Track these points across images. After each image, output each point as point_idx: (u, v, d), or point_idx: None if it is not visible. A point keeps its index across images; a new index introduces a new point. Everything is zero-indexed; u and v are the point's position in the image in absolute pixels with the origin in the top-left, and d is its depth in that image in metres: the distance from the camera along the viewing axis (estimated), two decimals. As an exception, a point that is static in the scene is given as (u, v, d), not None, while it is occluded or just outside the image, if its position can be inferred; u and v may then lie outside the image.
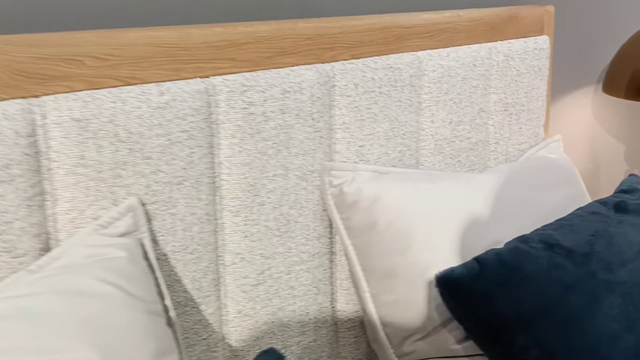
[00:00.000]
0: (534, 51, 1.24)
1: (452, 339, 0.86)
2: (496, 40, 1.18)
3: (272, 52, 0.83)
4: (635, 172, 1.84)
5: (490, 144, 1.19)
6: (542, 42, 1.27)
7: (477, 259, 0.83)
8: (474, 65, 1.11)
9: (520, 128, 1.25)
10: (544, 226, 0.91)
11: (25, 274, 0.62)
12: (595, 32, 1.59)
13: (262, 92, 0.81)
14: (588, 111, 1.66)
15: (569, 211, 1.02)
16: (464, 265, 0.82)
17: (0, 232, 0.62)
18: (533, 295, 0.78)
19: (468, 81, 1.11)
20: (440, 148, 1.08)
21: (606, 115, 1.72)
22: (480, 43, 1.15)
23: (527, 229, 0.93)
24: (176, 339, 0.68)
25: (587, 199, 1.16)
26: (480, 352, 0.83)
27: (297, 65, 0.86)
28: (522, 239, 0.87)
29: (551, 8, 1.31)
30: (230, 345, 0.84)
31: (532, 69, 1.24)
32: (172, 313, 0.71)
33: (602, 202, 1.02)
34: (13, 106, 0.63)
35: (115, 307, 0.61)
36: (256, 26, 0.81)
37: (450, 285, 0.81)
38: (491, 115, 1.18)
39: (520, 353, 0.76)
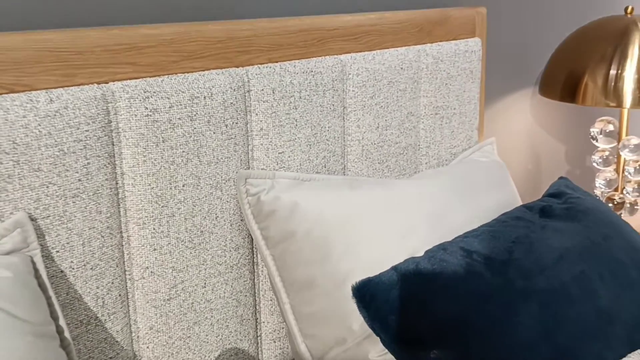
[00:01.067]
0: (465, 53, 1.23)
1: (372, 350, 0.83)
2: (425, 43, 1.16)
3: (178, 56, 0.79)
4: (577, 172, 1.86)
5: (421, 148, 1.17)
6: (474, 44, 1.26)
7: (395, 268, 0.81)
8: (402, 68, 1.09)
9: (452, 132, 1.23)
10: (466, 233, 0.90)
11: None
12: (532, 34, 1.59)
13: (168, 98, 0.77)
14: (527, 113, 1.66)
15: (497, 215, 1.00)
16: (381, 274, 0.80)
17: None
18: (449, 305, 0.76)
19: (395, 85, 1.09)
20: (367, 153, 1.06)
21: (546, 117, 1.72)
22: (408, 46, 1.13)
23: (451, 236, 0.91)
24: (68, 361, 0.64)
25: (518, 203, 1.15)
26: (399, 364, 0.81)
27: (206, 69, 0.83)
28: (443, 247, 0.85)
29: (483, 10, 1.30)
30: (140, 364, 0.80)
31: (464, 72, 1.23)
32: (67, 334, 0.67)
33: (528, 207, 1.01)
34: None
35: (5, 327, 0.57)
36: (160, 28, 0.78)
37: (366, 296, 0.78)
38: (421, 119, 1.16)
39: (436, 364, 0.74)
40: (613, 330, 0.81)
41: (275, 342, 0.97)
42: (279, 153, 0.92)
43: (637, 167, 1.50)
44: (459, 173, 1.09)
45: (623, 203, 1.52)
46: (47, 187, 0.68)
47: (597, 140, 1.52)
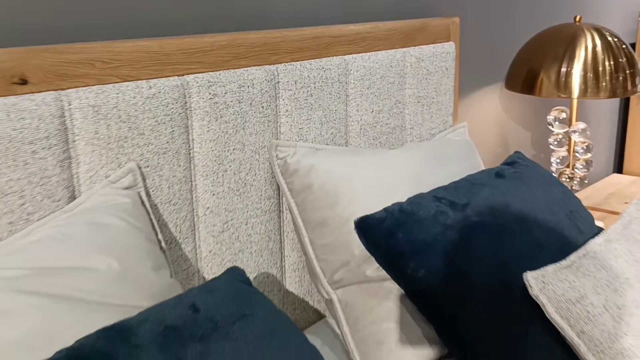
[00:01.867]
0: (441, 54, 1.55)
1: (369, 269, 1.15)
2: (409, 46, 1.48)
3: (230, 57, 1.11)
4: (538, 152, 2.18)
5: (406, 129, 1.49)
6: (449, 47, 1.58)
7: (384, 209, 1.12)
8: (391, 66, 1.41)
9: (431, 116, 1.55)
10: (438, 187, 1.22)
11: (60, 213, 0.89)
12: (499, 39, 1.92)
13: (223, 86, 1.09)
14: (497, 104, 1.99)
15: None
16: (375, 213, 1.12)
17: (44, 183, 0.88)
18: (422, 232, 1.08)
19: (386, 79, 1.41)
20: (364, 131, 1.38)
21: (512, 107, 2.04)
22: (396, 48, 1.45)
23: (427, 190, 1.23)
24: (167, 260, 0.96)
25: (481, 169, 1.47)
26: (388, 276, 1.13)
27: (249, 66, 1.14)
28: (420, 195, 1.17)
29: (456, 19, 1.62)
30: (203, 276, 1.12)
31: (440, 69, 1.55)
32: (163, 244, 0.98)
33: (487, 171, 1.33)
34: (49, 96, 0.89)
35: (125, 234, 0.88)
36: (217, 37, 1.09)
37: (364, 228, 1.10)
38: (406, 105, 1.48)
39: (412, 274, 1.06)
40: (542, 254, 1.13)
41: (295, 272, 1.29)
42: (299, 129, 1.24)
43: (584, 148, 1.83)
44: (436, 147, 1.41)
45: (573, 177, 1.85)
46: (148, 146, 1.00)
47: (552, 126, 1.85)
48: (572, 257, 1.10)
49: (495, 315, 1.03)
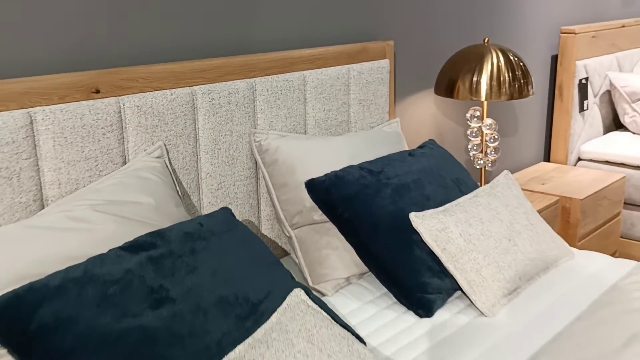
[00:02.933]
0: (378, 69, 2.12)
1: (315, 215, 1.72)
2: (353, 63, 2.06)
3: (222, 73, 1.68)
4: (463, 144, 2.75)
5: (351, 123, 2.07)
6: (384, 63, 2.15)
7: (325, 175, 1.69)
8: (338, 78, 1.98)
9: (370, 114, 2.13)
10: (364, 162, 1.79)
11: (118, 171, 1.46)
12: (429, 56, 2.49)
13: (218, 93, 1.66)
14: (431, 105, 2.56)
15: (412, 165, 1.89)
16: (318, 177, 1.68)
17: (109, 153, 1.45)
18: (347, 189, 1.65)
19: (334, 87, 1.98)
20: (318, 124, 1.95)
21: (443, 108, 2.62)
22: (342, 65, 2.02)
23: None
24: (183, 203, 1.53)
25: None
26: (327, 219, 1.70)
27: (235, 80, 1.71)
28: (350, 166, 1.73)
29: (391, 42, 2.19)
30: (204, 219, 1.69)
31: (377, 79, 2.12)
32: (179, 194, 1.55)
33: (403, 152, 1.90)
34: (112, 100, 1.46)
35: (157, 184, 1.46)
36: (214, 61, 1.66)
37: (311, 187, 1.67)
38: (351, 106, 2.06)
39: (341, 216, 1.63)
40: (428, 204, 1.69)
41: (268, 221, 1.86)
42: (270, 122, 1.81)
43: (493, 138, 2.40)
44: (370, 135, 1.98)
45: (486, 160, 2.42)
46: (170, 131, 1.56)
47: (469, 121, 2.42)
48: (446, 205, 1.67)
49: (393, 241, 1.60)
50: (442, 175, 1.81)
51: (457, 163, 1.94)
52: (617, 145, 3.21)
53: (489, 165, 2.45)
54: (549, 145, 3.39)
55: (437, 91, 2.39)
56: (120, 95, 1.48)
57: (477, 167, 2.45)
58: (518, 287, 1.61)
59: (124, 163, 1.50)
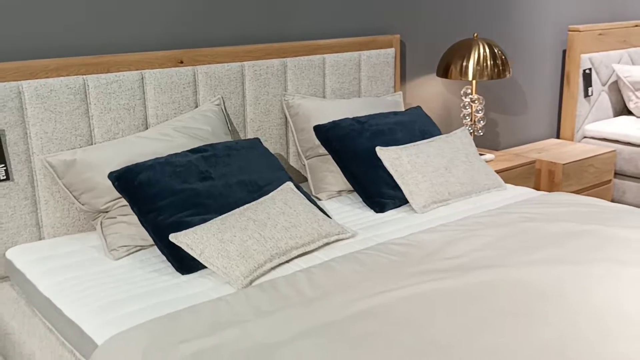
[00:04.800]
0: (384, 55, 2.94)
1: (321, 149, 2.57)
2: (364, 50, 2.88)
3: (263, 55, 2.57)
4: (459, 114, 3.48)
5: (361, 93, 2.90)
6: (390, 51, 2.96)
7: (326, 123, 2.53)
8: (350, 60, 2.82)
9: (378, 87, 2.94)
10: (357, 116, 2.61)
11: (191, 112, 2.39)
12: (432, 46, 3.26)
13: (260, 68, 2.55)
14: (440, 85, 3.33)
15: (392, 119, 2.70)
16: (322, 124, 2.53)
17: (189, 103, 2.39)
18: (339, 132, 2.48)
19: (348, 66, 2.82)
20: (334, 92, 2.80)
21: (452, 88, 3.38)
22: (354, 52, 2.85)
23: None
24: (231, 136, 2.44)
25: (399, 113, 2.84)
26: (327, 152, 2.55)
27: (272, 59, 2.60)
28: (345, 118, 2.57)
29: (397, 36, 3.00)
30: (248, 149, 2.60)
31: (383, 62, 2.94)
32: (229, 128, 2.47)
33: (390, 112, 2.70)
34: (190, 69, 2.39)
35: (215, 120, 2.37)
36: (259, 46, 2.56)
37: (317, 130, 2.51)
38: (361, 80, 2.88)
39: (334, 147, 2.47)
40: (396, 144, 2.50)
41: (293, 155, 2.73)
42: (296, 88, 2.68)
43: (480, 109, 3.14)
44: (371, 100, 2.80)
45: (475, 127, 3.17)
46: (226, 89, 2.48)
47: (464, 97, 3.17)
48: (406, 144, 2.47)
49: (365, 165, 2.42)
50: (413, 127, 2.61)
51: (429, 121, 2.72)
52: (616, 125, 3.80)
53: (478, 131, 3.19)
54: (559, 124, 4.03)
55: (437, 73, 3.16)
56: (195, 65, 2.41)
57: (468, 131, 3.20)
58: (447, 199, 2.38)
59: (196, 106, 2.43)
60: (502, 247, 1.91)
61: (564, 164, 3.35)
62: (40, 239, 2.14)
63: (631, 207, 2.31)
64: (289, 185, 2.15)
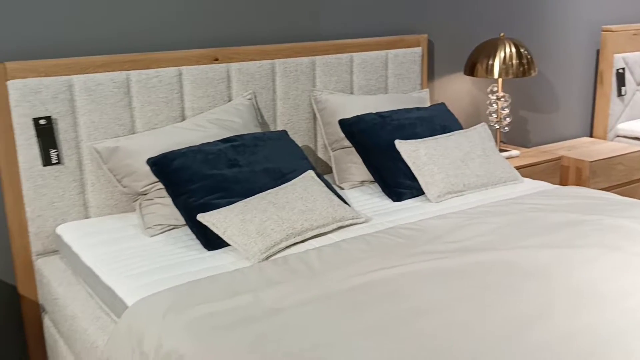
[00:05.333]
0: (411, 54, 3.08)
1: (345, 142, 2.74)
2: (391, 49, 3.03)
3: (293, 52, 2.75)
4: (485, 110, 3.58)
5: (388, 89, 3.05)
6: (417, 50, 3.10)
7: (351, 117, 2.70)
8: (377, 58, 2.98)
9: (404, 85, 3.09)
10: (381, 111, 2.76)
11: (236, 105, 2.60)
12: (460, 45, 3.37)
13: (289, 65, 2.74)
14: (469, 83, 3.44)
15: (414, 114, 2.85)
16: (347, 118, 2.70)
17: (225, 97, 2.60)
18: (362, 125, 2.64)
19: (375, 64, 2.97)
20: (361, 89, 2.96)
21: (481, 86, 3.48)
22: (383, 50, 3.00)
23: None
24: (261, 128, 2.63)
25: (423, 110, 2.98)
26: (351, 145, 2.71)
27: (302, 57, 2.78)
28: (369, 113, 2.73)
29: (425, 35, 3.13)
30: (278, 140, 2.79)
31: (410, 60, 3.08)
32: (259, 121, 2.66)
33: (413, 108, 2.84)
34: (224, 66, 2.60)
35: (246, 113, 2.57)
36: (287, 45, 2.74)
37: (342, 124, 2.68)
38: (388, 78, 3.04)
39: (357, 140, 2.63)
40: (416, 137, 2.64)
41: (321, 147, 2.91)
42: (324, 84, 2.85)
43: (505, 107, 3.24)
44: (396, 97, 2.95)
45: (500, 124, 3.27)
46: (258, 85, 2.67)
47: (491, 94, 3.28)
48: (426, 138, 2.61)
49: (385, 156, 2.58)
50: (433, 122, 2.75)
51: (451, 117, 2.85)
52: (649, 124, 3.83)
53: (504, 128, 3.30)
54: (592, 123, 4.07)
55: (465, 72, 3.28)
56: (229, 62, 2.61)
57: (494, 128, 3.30)
58: (462, 190, 2.51)
59: (229, 100, 2.63)
60: (502, 234, 2.04)
61: (591, 162, 3.41)
62: (86, 218, 2.39)
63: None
64: (310, 173, 2.33)
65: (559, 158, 3.32)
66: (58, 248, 2.32)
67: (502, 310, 1.54)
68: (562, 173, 3.52)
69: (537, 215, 2.21)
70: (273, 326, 1.51)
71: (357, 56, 2.93)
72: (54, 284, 2.16)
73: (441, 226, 2.13)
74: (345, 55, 2.89)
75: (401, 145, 2.56)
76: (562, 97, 3.86)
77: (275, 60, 2.72)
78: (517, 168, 3.15)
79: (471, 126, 3.52)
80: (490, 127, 3.57)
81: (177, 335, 1.52)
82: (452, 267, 1.79)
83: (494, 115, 3.30)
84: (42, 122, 2.24)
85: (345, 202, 2.34)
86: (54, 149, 2.27)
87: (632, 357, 1.34)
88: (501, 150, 3.32)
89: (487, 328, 1.46)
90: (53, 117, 2.26)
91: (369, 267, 1.81)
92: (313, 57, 2.81)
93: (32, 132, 2.23)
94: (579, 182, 3.47)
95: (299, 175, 2.33)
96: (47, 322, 2.31)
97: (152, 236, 2.20)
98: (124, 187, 2.33)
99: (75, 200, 2.35)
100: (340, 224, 2.17)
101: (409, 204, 2.47)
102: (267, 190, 2.22)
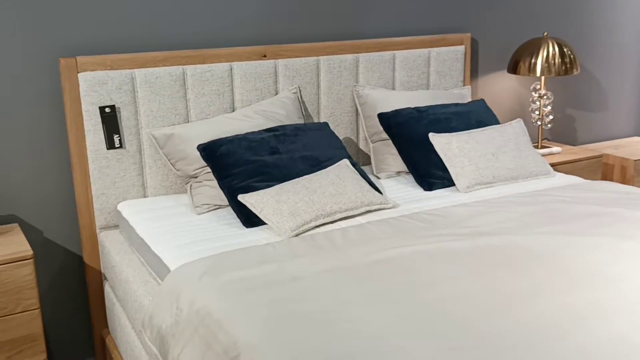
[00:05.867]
0: (454, 52, 3.21)
1: (383, 134, 2.91)
2: (434, 47, 3.17)
3: (337, 50, 2.94)
4: (528, 108, 3.64)
5: (430, 86, 3.19)
6: (460, 48, 3.22)
7: (390, 111, 2.86)
8: (420, 56, 3.12)
9: (447, 82, 3.22)
10: (419, 106, 2.91)
11: (272, 99, 2.81)
12: (503, 45, 3.46)
13: (333, 62, 2.93)
14: (512, 79, 3.53)
15: (451, 109, 2.98)
16: (386, 112, 2.86)
17: (270, 90, 2.82)
18: (400, 119, 2.80)
19: (417, 62, 3.12)
20: (403, 85, 3.11)
21: (519, 81, 3.56)
22: (425, 48, 3.15)
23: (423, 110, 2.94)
24: (305, 120, 2.84)
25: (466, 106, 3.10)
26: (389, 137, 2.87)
27: (346, 54, 2.96)
28: (407, 107, 2.88)
29: (468, 34, 3.25)
30: (321, 132, 2.99)
31: (452, 58, 3.21)
32: (303, 113, 2.87)
33: (452, 103, 2.97)
34: (272, 62, 2.82)
35: (290, 105, 2.78)
36: (331, 43, 2.93)
37: (381, 117, 2.85)
38: (430, 75, 3.18)
39: (393, 132, 2.79)
40: (451, 131, 2.77)
41: (362, 140, 3.08)
42: (367, 80, 3.02)
43: (548, 104, 3.31)
44: (436, 93, 3.08)
45: (543, 122, 3.35)
46: (303, 80, 2.88)
47: (534, 92, 3.36)
48: (460, 132, 2.74)
49: (419, 148, 2.73)
50: (469, 117, 2.87)
51: (488, 112, 2.96)
52: (702, 125, 3.79)
53: (546, 125, 3.37)
54: (643, 123, 4.06)
55: (508, 70, 3.38)
56: (277, 59, 2.83)
57: (536, 125, 3.38)
58: (492, 182, 2.63)
59: (276, 94, 2.85)
60: (521, 221, 2.16)
61: (635, 160, 3.44)
62: (144, 197, 2.66)
63: (669, 196, 2.44)
64: (345, 161, 2.51)
65: (601, 156, 3.36)
66: (118, 223, 2.59)
67: (504, 285, 1.68)
68: (607, 171, 3.56)
69: (560, 207, 2.31)
70: (291, 291, 1.70)
71: (399, 54, 3.08)
72: (113, 253, 2.43)
73: (463, 213, 2.27)
74: (387, 53, 3.06)
75: (434, 138, 2.71)
76: (612, 96, 3.88)
77: (320, 57, 2.91)
78: (557, 164, 3.23)
79: (515, 123, 3.60)
80: (532, 124, 3.65)
81: (208, 295, 1.74)
82: (464, 248, 1.93)
83: (537, 113, 3.38)
84: (107, 110, 2.52)
85: (378, 190, 2.51)
86: (117, 134, 2.55)
87: (612, 328, 1.46)
88: (542, 147, 3.39)
89: (487, 299, 1.60)
90: (117, 105, 2.54)
91: (386, 245, 1.98)
92: (357, 55, 2.99)
93: (98, 119, 2.51)
94: (624, 181, 3.50)
95: (334, 164, 2.52)
96: (107, 288, 2.59)
97: (199, 214, 2.44)
98: (177, 170, 2.58)
99: (134, 180, 2.62)
100: (368, 208, 2.34)
101: (439, 194, 2.61)
102: (303, 176, 2.42)
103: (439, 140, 2.70)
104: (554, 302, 1.58)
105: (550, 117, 3.36)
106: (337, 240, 2.06)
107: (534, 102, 3.38)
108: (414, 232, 2.09)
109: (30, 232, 2.59)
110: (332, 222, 2.27)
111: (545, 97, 3.33)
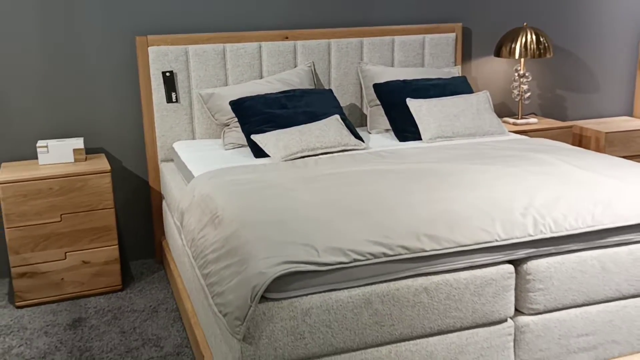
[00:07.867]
0: (446, 38, 3.97)
1: (378, 100, 3.73)
2: (428, 34, 3.94)
3: (346, 34, 3.78)
4: (512, 84, 4.29)
5: (424, 65, 3.96)
6: (452, 35, 3.98)
7: (381, 82, 3.67)
8: (416, 40, 3.91)
9: (439, 61, 3.98)
10: (408, 78, 3.70)
11: (289, 70, 3.70)
12: (490, 33, 4.16)
13: (342, 43, 3.77)
14: (503, 62, 4.23)
15: (432, 82, 3.75)
16: (378, 82, 3.67)
17: (291, 69, 3.71)
18: (395, 90, 3.60)
19: (413, 45, 3.91)
20: (401, 63, 3.91)
21: (503, 64, 4.25)
22: (420, 34, 3.92)
23: (415, 83, 3.72)
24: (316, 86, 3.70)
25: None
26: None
27: (352, 38, 3.80)
28: (396, 80, 3.68)
29: (459, 24, 4.00)
30: (331, 98, 3.85)
31: (444, 42, 3.97)
32: (315, 83, 3.74)
33: (437, 78, 3.74)
34: (291, 43, 3.71)
35: (304, 76, 3.66)
36: (340, 29, 3.78)
37: (374, 87, 3.67)
38: (425, 56, 3.95)
39: (383, 99, 3.60)
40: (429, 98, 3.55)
41: (365, 107, 3.91)
42: (370, 58, 3.85)
43: (526, 83, 4.00)
44: (428, 70, 3.86)
45: (522, 97, 4.03)
46: (317, 57, 3.74)
47: (516, 72, 4.06)
48: (432, 99, 3.51)
49: (399, 110, 3.52)
50: (446, 88, 3.63)
51: (465, 85, 3.70)
52: (681, 106, 4.32)
53: (525, 100, 4.06)
54: (633, 103, 4.61)
55: (494, 54, 4.09)
56: (296, 40, 3.71)
57: (516, 100, 4.08)
58: (451, 136, 3.39)
59: (295, 67, 3.73)
60: (451, 158, 2.93)
61: (607, 132, 4.05)
62: (192, 139, 3.63)
63: (583, 149, 3.11)
64: (336, 116, 3.36)
65: (571, 126, 4.01)
66: (172, 157, 3.58)
67: (402, 187, 2.48)
68: (585, 142, 4.18)
69: (489, 152, 3.05)
70: (261, 185, 2.59)
71: (398, 38, 3.88)
72: (168, 178, 3.42)
73: (411, 152, 3.07)
74: (388, 37, 3.86)
75: (410, 102, 3.50)
76: (604, 79, 4.47)
77: (331, 40, 3.77)
78: (528, 132, 3.91)
79: (501, 98, 4.30)
80: (514, 99, 4.33)
81: (209, 187, 2.66)
82: (394, 169, 2.74)
83: (516, 89, 4.07)
84: (167, 74, 3.50)
85: (360, 139, 3.34)
86: (174, 92, 3.53)
87: (457, 226, 2.23)
88: (522, 118, 4.08)
89: (386, 194, 2.42)
90: (174, 71, 3.52)
91: (342, 166, 2.83)
92: (362, 38, 3.82)
93: (161, 80, 3.51)
94: (598, 149, 4.11)
95: (328, 117, 3.38)
96: (164, 205, 3.59)
97: (227, 150, 3.38)
98: (216, 119, 3.53)
99: (186, 127, 3.60)
100: (344, 147, 3.19)
101: (409, 145, 3.40)
102: (302, 124, 3.29)
103: (413, 104, 3.49)
104: (426, 195, 2.37)
105: (529, 94, 4.04)
106: (310, 163, 2.92)
107: (515, 80, 4.07)
108: (367, 161, 2.92)
109: (113, 161, 3.64)
110: (315, 155, 3.13)
111: (524, 76, 4.02)
